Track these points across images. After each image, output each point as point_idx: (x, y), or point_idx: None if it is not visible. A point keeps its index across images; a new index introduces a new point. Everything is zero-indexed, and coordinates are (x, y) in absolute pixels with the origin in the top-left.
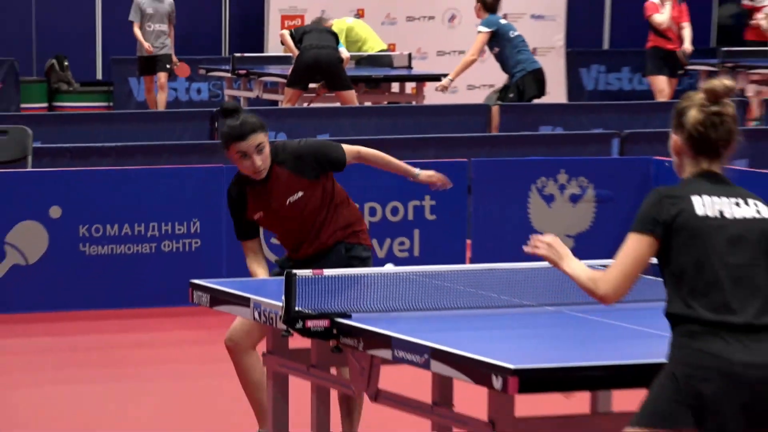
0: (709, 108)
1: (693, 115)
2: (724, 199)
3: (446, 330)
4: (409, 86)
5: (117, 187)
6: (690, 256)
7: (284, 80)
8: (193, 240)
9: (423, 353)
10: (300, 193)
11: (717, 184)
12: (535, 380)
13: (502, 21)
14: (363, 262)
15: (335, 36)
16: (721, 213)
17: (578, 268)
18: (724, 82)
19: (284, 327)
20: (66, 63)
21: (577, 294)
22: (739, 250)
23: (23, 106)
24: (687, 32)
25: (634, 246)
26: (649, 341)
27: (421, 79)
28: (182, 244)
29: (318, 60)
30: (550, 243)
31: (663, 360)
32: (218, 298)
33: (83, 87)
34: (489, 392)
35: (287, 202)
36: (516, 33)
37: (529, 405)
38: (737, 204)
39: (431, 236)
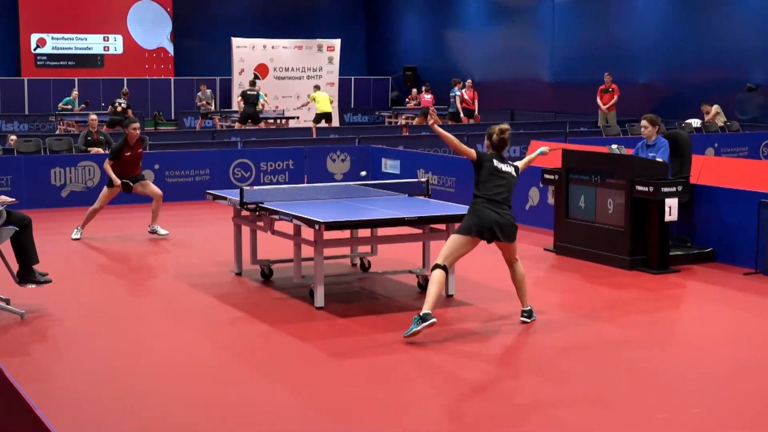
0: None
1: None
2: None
3: (300, 207)
4: None
5: None
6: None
7: None
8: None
9: (290, 217)
10: None
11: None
12: (332, 226)
13: None
14: None
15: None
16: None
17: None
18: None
19: (239, 207)
20: None
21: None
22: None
23: None
24: None
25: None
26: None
27: None
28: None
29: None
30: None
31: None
32: (215, 196)
33: None
34: (314, 231)
35: None
36: None
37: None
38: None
39: None
